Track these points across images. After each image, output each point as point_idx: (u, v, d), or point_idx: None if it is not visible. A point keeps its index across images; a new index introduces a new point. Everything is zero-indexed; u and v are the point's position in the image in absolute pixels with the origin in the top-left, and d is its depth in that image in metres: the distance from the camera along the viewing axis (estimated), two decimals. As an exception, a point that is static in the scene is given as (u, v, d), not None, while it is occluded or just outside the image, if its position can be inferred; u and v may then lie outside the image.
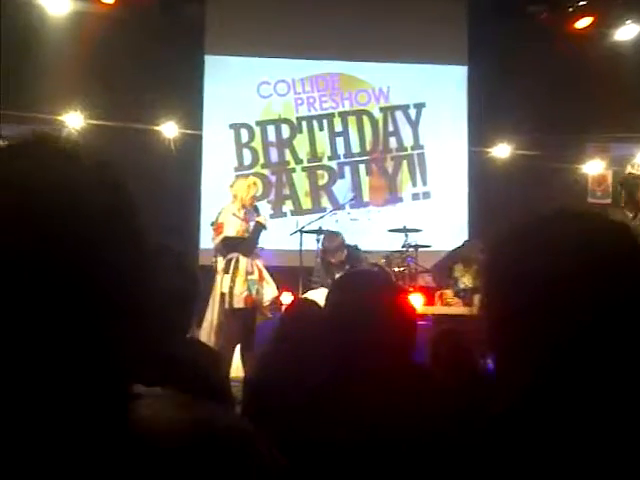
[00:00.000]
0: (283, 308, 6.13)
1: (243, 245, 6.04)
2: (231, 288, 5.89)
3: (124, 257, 0.77)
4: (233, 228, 6.03)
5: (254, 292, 6.01)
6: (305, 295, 6.25)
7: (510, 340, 1.01)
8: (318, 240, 7.19)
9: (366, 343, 1.68)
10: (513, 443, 0.96)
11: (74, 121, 7.70)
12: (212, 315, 6.03)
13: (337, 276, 6.69)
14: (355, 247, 7.12)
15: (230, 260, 6.03)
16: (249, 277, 6.01)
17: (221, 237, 6.06)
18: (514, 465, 0.95)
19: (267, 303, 6.20)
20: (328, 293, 1.97)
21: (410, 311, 1.86)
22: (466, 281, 6.87)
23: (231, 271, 5.99)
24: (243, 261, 6.03)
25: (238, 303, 5.92)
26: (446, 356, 2.80)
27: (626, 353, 0.95)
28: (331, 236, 7.03)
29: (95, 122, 7.70)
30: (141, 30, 7.98)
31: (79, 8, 7.59)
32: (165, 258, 2.05)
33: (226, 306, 5.90)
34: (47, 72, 7.42)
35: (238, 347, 5.88)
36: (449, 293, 6.72)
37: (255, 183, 6.41)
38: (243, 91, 8.68)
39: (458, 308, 6.48)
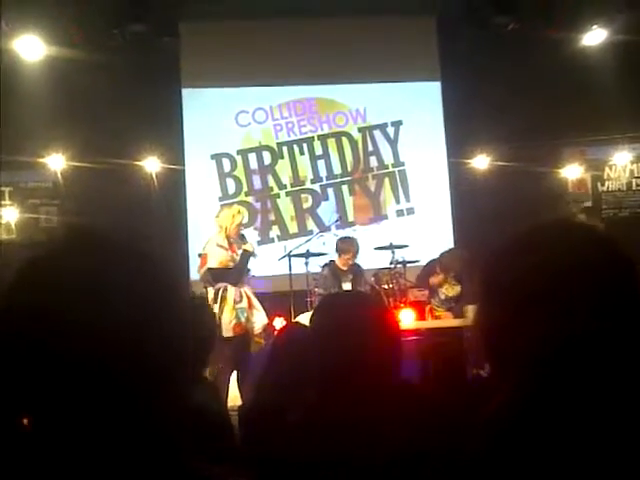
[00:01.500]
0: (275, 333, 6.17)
1: (230, 274, 6.08)
2: (219, 318, 5.92)
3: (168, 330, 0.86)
4: (216, 259, 6.07)
5: (243, 320, 6.04)
6: (296, 319, 6.29)
7: (505, 349, 1.05)
8: (307, 263, 7.27)
9: (349, 363, 1.73)
10: (505, 448, 0.98)
11: (56, 163, 7.75)
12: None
13: (344, 287, 6.82)
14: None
15: (218, 290, 6.07)
16: (237, 306, 6.04)
17: (204, 269, 6.11)
18: (505, 471, 0.97)
19: (258, 330, 6.22)
20: (311, 316, 2.02)
21: (394, 329, 1.91)
22: (445, 291, 6.96)
23: (219, 301, 6.02)
24: (231, 290, 6.07)
25: (227, 332, 5.94)
26: (435, 369, 2.84)
27: (621, 357, 0.98)
28: (347, 239, 7.22)
29: (77, 163, 7.74)
30: (117, 68, 8.05)
31: (53, 52, 7.65)
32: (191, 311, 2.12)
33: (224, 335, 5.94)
34: (26, 116, 7.47)
35: (234, 376, 5.90)
36: (437, 307, 6.79)
37: (239, 212, 6.45)
38: (222, 121, 8.76)
39: (449, 321, 6.53)
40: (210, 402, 2.51)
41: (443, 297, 6.99)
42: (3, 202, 7.81)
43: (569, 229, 1.11)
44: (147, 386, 0.84)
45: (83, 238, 0.91)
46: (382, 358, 1.75)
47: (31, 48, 7.46)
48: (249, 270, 6.30)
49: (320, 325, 1.92)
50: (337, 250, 7.22)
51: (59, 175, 7.79)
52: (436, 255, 7.48)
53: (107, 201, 7.44)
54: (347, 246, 7.15)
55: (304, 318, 5.68)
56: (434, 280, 7.06)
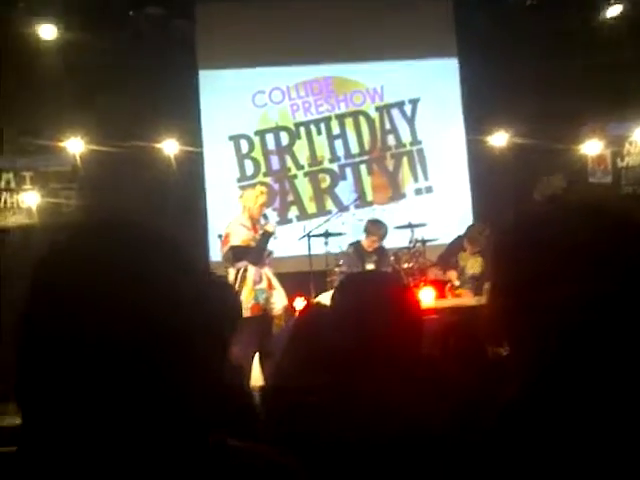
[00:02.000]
0: (297, 313, 6.22)
1: (251, 254, 6.11)
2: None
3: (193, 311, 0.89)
4: (239, 237, 6.11)
5: (262, 301, 6.09)
6: (317, 299, 6.32)
7: (521, 327, 1.04)
8: (326, 243, 7.31)
9: (369, 342, 1.74)
10: (524, 429, 0.99)
11: (74, 147, 7.79)
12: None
13: (367, 266, 6.89)
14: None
15: (238, 270, 6.11)
16: (256, 287, 6.09)
17: (227, 247, 6.15)
18: (525, 451, 0.98)
19: (279, 312, 6.27)
20: (332, 295, 2.03)
21: (414, 307, 1.92)
22: (472, 268, 6.95)
23: (238, 281, 6.07)
24: (251, 270, 6.11)
25: (245, 312, 5.99)
26: (455, 348, 2.85)
27: (634, 339, 0.97)
28: (377, 223, 7.29)
29: (95, 147, 7.78)
30: (134, 51, 8.07)
31: (71, 35, 7.67)
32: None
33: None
34: (44, 100, 7.51)
35: (257, 356, 5.95)
36: (458, 285, 6.80)
37: (262, 192, 6.49)
38: (239, 102, 8.76)
39: (469, 299, 6.53)
40: (233, 382, 2.55)
41: (470, 274, 6.98)
42: (24, 187, 7.88)
43: (581, 207, 1.09)
44: (175, 365, 0.86)
45: (103, 226, 0.95)
46: (403, 337, 1.77)
47: (49, 31, 7.51)
48: (271, 251, 6.35)
49: (340, 305, 1.94)
50: (365, 231, 7.27)
51: (78, 159, 7.83)
52: (456, 233, 7.49)
53: (126, 184, 7.48)
54: (375, 229, 7.20)
55: (325, 298, 5.72)
56: (460, 256, 7.08)
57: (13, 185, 7.87)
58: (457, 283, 6.88)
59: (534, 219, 1.11)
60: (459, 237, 7.32)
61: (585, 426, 0.96)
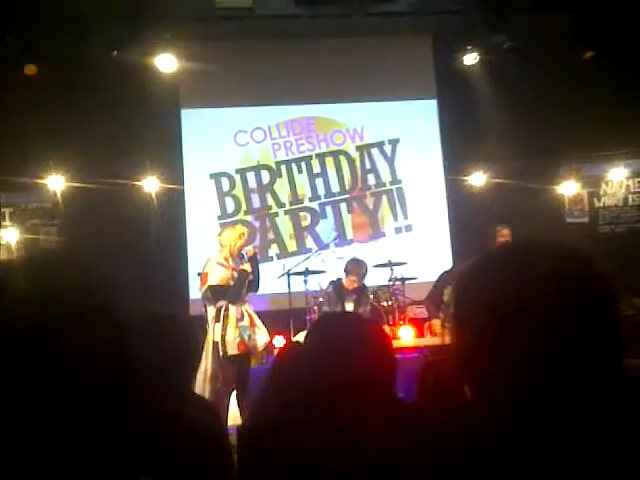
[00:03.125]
0: (275, 351, 6.20)
1: (230, 293, 6.11)
2: (223, 336, 5.95)
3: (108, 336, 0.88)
4: (217, 276, 6.10)
5: (246, 338, 6.06)
6: (296, 337, 6.32)
7: (480, 371, 1.06)
8: (306, 281, 7.32)
9: (341, 382, 1.76)
10: (496, 468, 0.99)
11: (55, 184, 7.79)
12: (206, 364, 6.07)
13: (347, 306, 6.87)
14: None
15: (220, 308, 6.09)
16: (240, 324, 6.07)
17: (206, 286, 6.14)
18: None
19: (261, 348, 6.24)
20: (305, 335, 2.05)
21: (387, 347, 1.94)
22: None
23: (222, 319, 6.04)
24: (233, 308, 6.10)
25: (232, 350, 5.96)
26: (432, 388, 2.86)
27: (595, 381, 0.99)
28: (357, 262, 7.22)
29: (76, 184, 7.79)
30: (116, 89, 8.11)
31: (55, 71, 7.72)
32: (152, 325, 2.17)
33: (220, 354, 5.94)
34: (25, 136, 7.52)
35: (234, 394, 5.92)
36: (437, 323, 6.79)
37: (244, 233, 6.50)
38: (220, 141, 8.83)
39: (448, 338, 6.54)
40: (204, 420, 2.53)
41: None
42: (3, 223, 7.85)
43: (541, 247, 1.10)
44: (120, 394, 0.87)
45: (46, 260, 0.95)
46: (374, 377, 1.78)
47: (30, 69, 7.55)
48: (256, 287, 6.35)
49: (312, 345, 1.96)
50: (345, 270, 7.23)
51: (58, 196, 7.84)
52: (435, 271, 7.51)
53: (107, 221, 7.48)
54: (356, 268, 7.17)
55: (304, 336, 5.72)
56: (445, 293, 7.05)
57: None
58: (437, 323, 6.87)
59: (491, 261, 1.12)
60: (444, 273, 7.33)
61: (558, 464, 0.96)
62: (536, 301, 1.01)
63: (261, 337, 6.24)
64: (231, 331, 6.01)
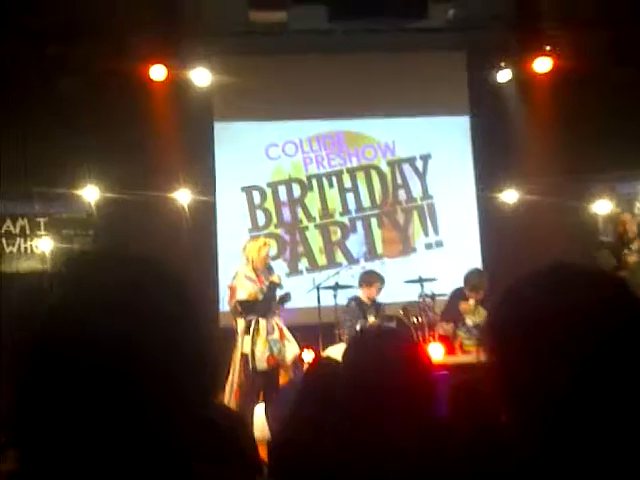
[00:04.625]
0: (305, 366, 6.21)
1: (259, 307, 6.13)
2: (252, 350, 5.96)
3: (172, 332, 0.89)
4: (245, 291, 6.14)
5: (276, 352, 6.08)
6: (326, 352, 6.31)
7: (519, 391, 1.06)
8: (335, 296, 7.32)
9: (382, 401, 1.76)
10: None
11: (90, 195, 7.90)
12: (233, 376, 6.09)
13: (369, 318, 6.87)
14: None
15: (250, 321, 6.12)
16: (269, 337, 6.09)
17: (234, 301, 6.17)
18: None
19: (290, 362, 6.25)
20: (344, 352, 2.04)
21: (427, 366, 1.94)
22: (473, 317, 6.89)
23: (251, 332, 6.06)
24: (263, 322, 6.12)
25: (261, 364, 5.98)
26: (464, 409, 2.84)
27: (631, 401, 0.99)
28: (373, 273, 7.27)
29: (110, 195, 7.88)
30: (151, 102, 8.22)
31: (91, 85, 7.83)
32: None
33: (250, 367, 5.96)
34: (61, 148, 7.63)
35: (259, 407, 5.92)
36: (465, 340, 6.75)
37: (266, 243, 6.52)
38: (252, 154, 8.89)
39: (479, 356, 6.48)
40: (235, 430, 2.54)
41: (471, 324, 6.92)
42: (38, 232, 7.97)
43: (579, 269, 1.12)
44: (165, 403, 0.87)
45: (111, 260, 0.96)
46: (416, 396, 1.78)
47: (67, 82, 7.67)
48: (286, 301, 6.36)
49: (353, 363, 1.95)
50: (363, 282, 7.26)
51: (93, 206, 7.94)
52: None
53: (139, 232, 7.55)
54: (371, 279, 7.21)
55: (333, 351, 5.71)
56: (462, 307, 7.04)
57: (27, 231, 7.96)
58: (465, 340, 6.81)
59: (531, 280, 1.13)
60: (457, 289, 7.30)
61: None
62: (578, 323, 1.02)
63: (290, 350, 6.25)
64: (260, 344, 6.03)
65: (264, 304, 6.19)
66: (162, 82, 8.08)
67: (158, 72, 7.87)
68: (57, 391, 0.84)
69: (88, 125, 7.66)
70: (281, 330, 6.25)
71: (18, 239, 7.97)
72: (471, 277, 7.14)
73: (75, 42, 7.63)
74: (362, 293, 7.31)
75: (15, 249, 7.96)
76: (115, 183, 7.88)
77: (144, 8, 7.40)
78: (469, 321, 6.93)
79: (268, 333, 6.13)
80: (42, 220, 7.99)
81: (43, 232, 7.95)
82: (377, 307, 7.26)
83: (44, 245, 7.89)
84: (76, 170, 7.74)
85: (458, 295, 7.20)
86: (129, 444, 0.84)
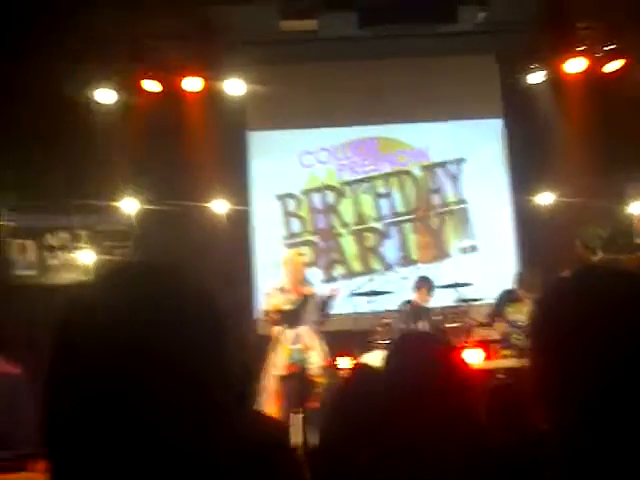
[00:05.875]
0: (341, 372, 6.25)
1: (286, 317, 6.23)
2: (275, 357, 6.11)
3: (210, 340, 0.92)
4: (275, 301, 6.24)
5: (298, 360, 6.17)
6: (362, 359, 6.34)
7: (560, 395, 1.08)
8: (370, 302, 7.33)
9: (425, 408, 1.77)
10: None
11: (129, 206, 8.04)
12: (268, 382, 6.18)
13: (421, 325, 6.90)
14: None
15: (279, 330, 6.24)
16: (292, 346, 6.19)
17: (264, 310, 6.29)
18: None
19: (316, 370, 6.32)
20: (386, 356, 2.05)
21: (468, 372, 1.95)
22: (521, 317, 6.79)
23: (277, 341, 6.19)
24: (288, 332, 6.22)
25: (280, 371, 6.09)
26: (500, 413, 2.85)
27: None
28: (427, 277, 7.41)
29: (148, 206, 8.01)
30: (185, 113, 8.33)
31: (126, 98, 7.97)
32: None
33: (276, 374, 6.11)
34: (101, 161, 7.77)
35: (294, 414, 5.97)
36: (517, 342, 6.71)
37: (300, 254, 6.60)
38: (286, 162, 8.96)
39: (516, 360, 6.46)
40: (272, 436, 2.58)
41: (520, 323, 6.82)
42: (79, 245, 8.13)
43: (616, 274, 1.13)
44: (199, 415, 0.87)
45: (142, 271, 0.96)
46: (457, 402, 1.79)
47: (105, 96, 7.81)
48: (326, 312, 6.45)
49: (395, 367, 1.96)
50: (417, 286, 7.33)
51: (132, 218, 8.08)
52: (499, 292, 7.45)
53: (177, 242, 7.66)
54: (427, 283, 7.29)
55: (370, 358, 5.73)
56: (508, 310, 6.98)
57: (69, 243, 8.13)
58: (513, 335, 6.73)
59: (568, 288, 1.14)
60: (507, 292, 7.26)
61: None
62: (615, 324, 1.03)
63: (317, 359, 6.31)
64: (281, 353, 6.13)
65: (293, 313, 6.29)
66: (196, 93, 8.18)
67: (192, 83, 7.96)
68: (87, 401, 0.85)
69: (125, 138, 7.79)
70: (307, 339, 6.35)
71: (59, 251, 8.14)
72: (525, 274, 7.13)
73: (111, 57, 7.76)
74: (416, 297, 7.37)
75: (57, 261, 8.13)
76: (153, 195, 8.00)
77: (178, 21, 7.51)
78: (520, 323, 6.84)
79: (291, 342, 6.23)
80: (82, 233, 8.16)
81: (84, 244, 8.11)
82: (427, 312, 7.30)
83: (85, 257, 8.05)
84: (115, 183, 7.88)
85: (504, 298, 7.17)
86: (160, 456, 0.85)
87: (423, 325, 7.08)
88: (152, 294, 0.91)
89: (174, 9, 7.41)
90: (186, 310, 0.91)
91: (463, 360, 2.02)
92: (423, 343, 2.08)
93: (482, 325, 7.30)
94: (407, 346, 2.07)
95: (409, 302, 7.35)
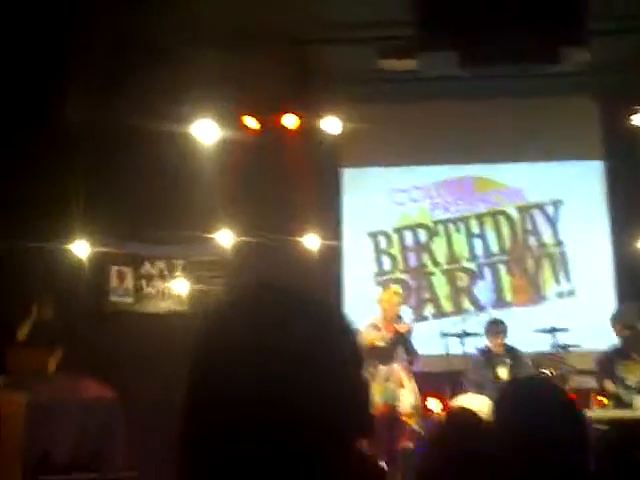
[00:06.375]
0: (431, 414, 6.15)
1: (379, 354, 6.18)
2: None
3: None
4: (367, 338, 6.20)
5: (390, 399, 6.09)
6: (456, 401, 6.20)
7: None
8: (463, 343, 7.20)
9: (542, 460, 1.71)
10: None
11: (224, 238, 8.19)
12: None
13: (500, 372, 6.71)
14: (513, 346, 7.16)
15: (371, 368, 6.18)
16: (385, 384, 6.11)
17: None
18: None
19: (407, 410, 6.22)
20: (497, 406, 1.97)
21: (585, 421, 1.87)
22: (633, 378, 6.51)
23: (370, 378, 6.12)
24: (381, 369, 6.16)
25: (374, 410, 6.00)
26: (609, 462, 2.73)
27: None
28: (498, 320, 7.20)
29: (242, 238, 8.14)
30: (281, 148, 8.47)
31: (225, 134, 8.16)
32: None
33: (368, 413, 6.01)
34: (198, 194, 7.96)
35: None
36: (606, 392, 6.44)
37: (396, 292, 6.56)
38: (379, 200, 8.96)
39: (615, 411, 6.20)
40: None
41: (629, 383, 6.52)
42: (175, 274, 8.33)
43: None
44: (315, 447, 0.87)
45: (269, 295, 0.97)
46: (576, 453, 1.72)
47: (204, 131, 8.00)
48: (413, 350, 6.38)
49: (504, 417, 1.90)
50: (488, 332, 7.11)
51: (227, 249, 8.22)
52: (599, 340, 7.18)
53: (269, 275, 7.72)
54: (499, 327, 7.07)
55: (465, 401, 5.59)
56: (621, 368, 6.64)
57: (165, 272, 8.34)
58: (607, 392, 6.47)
59: None
60: (616, 349, 6.89)
61: None
62: None
63: (409, 398, 6.22)
64: (377, 392, 6.06)
65: (386, 351, 6.24)
66: (293, 130, 8.31)
67: (290, 121, 8.10)
68: (229, 429, 0.85)
69: (223, 171, 7.97)
70: (400, 378, 6.27)
71: (156, 280, 8.36)
72: (623, 312, 6.83)
73: (211, 93, 7.97)
74: (490, 343, 7.17)
75: (152, 290, 8.34)
76: (247, 227, 8.13)
77: (278, 59, 7.68)
78: (628, 382, 6.54)
79: (384, 380, 6.16)
80: (178, 262, 8.36)
81: (180, 274, 8.31)
82: (512, 353, 7.06)
83: (180, 287, 8.24)
84: (211, 215, 8.05)
85: (616, 354, 6.82)
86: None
87: (502, 373, 6.87)
88: (296, 322, 0.91)
89: (274, 47, 7.60)
90: (331, 342, 0.91)
91: (579, 407, 1.94)
92: (536, 389, 2.01)
93: (582, 373, 7.03)
94: (518, 393, 2.01)
95: (481, 348, 7.15)
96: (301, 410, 0.85)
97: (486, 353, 7.09)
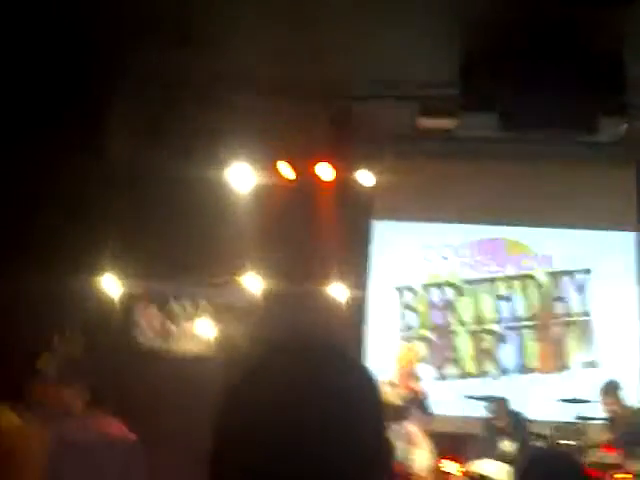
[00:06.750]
0: (447, 476, 6.07)
1: (394, 411, 6.14)
2: None
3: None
4: (385, 395, 6.16)
5: (402, 459, 6.03)
6: (473, 466, 6.14)
7: None
8: (483, 407, 7.13)
9: None
10: None
11: (250, 283, 8.24)
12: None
13: (504, 444, 6.60)
14: (518, 414, 7.03)
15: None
16: (398, 443, 6.06)
17: None
18: None
19: (419, 470, 6.16)
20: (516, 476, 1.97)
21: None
22: None
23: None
24: (396, 428, 6.11)
25: None
26: None
27: None
28: (501, 401, 7.05)
29: (269, 284, 8.19)
30: (315, 197, 8.54)
31: (259, 180, 8.25)
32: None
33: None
34: (225, 238, 8.04)
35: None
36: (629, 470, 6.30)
37: (411, 349, 6.53)
38: (408, 255, 8.97)
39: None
40: None
41: None
42: (199, 315, 8.37)
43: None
44: None
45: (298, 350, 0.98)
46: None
47: (241, 176, 8.09)
48: (429, 410, 6.33)
49: None
50: (497, 411, 7.00)
51: (253, 294, 8.26)
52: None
53: (293, 322, 7.75)
54: (501, 408, 6.95)
55: (483, 466, 5.53)
56: None
57: (190, 313, 8.38)
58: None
59: None
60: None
61: None
62: None
63: (421, 458, 6.16)
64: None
65: (400, 410, 6.21)
66: (327, 180, 8.39)
67: (325, 171, 8.18)
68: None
69: (255, 217, 8.05)
70: (413, 437, 6.21)
71: (180, 320, 8.40)
72: None
73: (248, 139, 8.08)
74: (497, 420, 7.02)
75: (177, 329, 8.38)
76: (275, 273, 8.18)
77: (317, 109, 7.80)
78: None
79: (398, 439, 6.11)
80: (203, 303, 8.41)
81: (203, 315, 8.35)
82: (518, 425, 6.92)
83: (203, 328, 8.27)
84: (240, 259, 8.12)
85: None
86: None
87: (510, 445, 6.73)
88: (322, 375, 0.93)
89: (316, 98, 7.72)
90: (357, 398, 0.93)
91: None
92: (553, 462, 2.00)
93: (603, 447, 6.90)
94: (539, 467, 2.00)
95: (487, 421, 7.04)
96: (326, 464, 0.87)
97: (490, 428, 6.96)
